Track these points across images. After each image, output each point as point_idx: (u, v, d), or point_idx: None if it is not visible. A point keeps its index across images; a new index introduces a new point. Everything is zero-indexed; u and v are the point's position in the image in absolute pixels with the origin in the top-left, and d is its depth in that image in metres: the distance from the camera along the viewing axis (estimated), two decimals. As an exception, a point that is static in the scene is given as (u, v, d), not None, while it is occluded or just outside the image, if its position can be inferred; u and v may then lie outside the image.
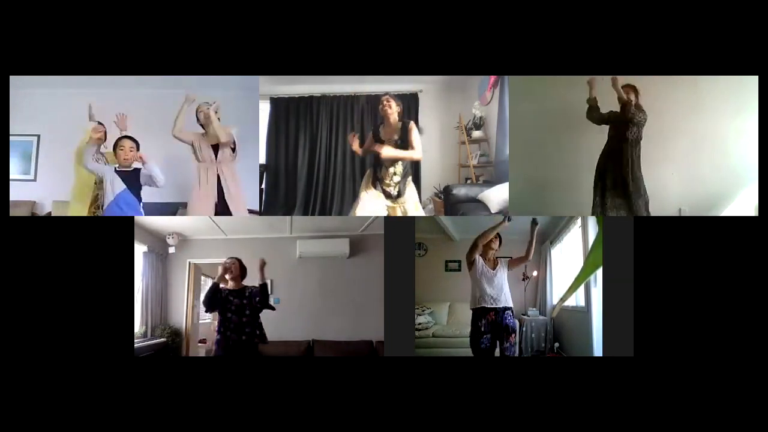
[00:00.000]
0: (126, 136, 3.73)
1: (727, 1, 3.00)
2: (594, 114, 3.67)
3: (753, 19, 3.00)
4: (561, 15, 3.04)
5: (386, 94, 3.63)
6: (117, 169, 3.67)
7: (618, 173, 3.55)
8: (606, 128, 3.67)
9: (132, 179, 3.66)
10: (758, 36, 3.01)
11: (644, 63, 3.09)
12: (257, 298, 3.35)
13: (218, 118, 3.85)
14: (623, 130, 3.53)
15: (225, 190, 3.86)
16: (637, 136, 3.52)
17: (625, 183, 3.52)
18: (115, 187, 3.62)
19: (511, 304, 3.39)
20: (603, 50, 3.07)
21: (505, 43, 3.08)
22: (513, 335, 3.33)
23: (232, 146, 3.93)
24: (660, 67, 3.09)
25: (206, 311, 3.59)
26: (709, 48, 3.04)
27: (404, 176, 3.58)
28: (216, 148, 3.89)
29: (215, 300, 3.33)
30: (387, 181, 3.58)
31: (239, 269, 3.43)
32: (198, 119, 3.93)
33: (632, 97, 3.53)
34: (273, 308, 3.49)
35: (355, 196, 5.81)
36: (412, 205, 3.63)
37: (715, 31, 3.02)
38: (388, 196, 3.60)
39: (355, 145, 3.65)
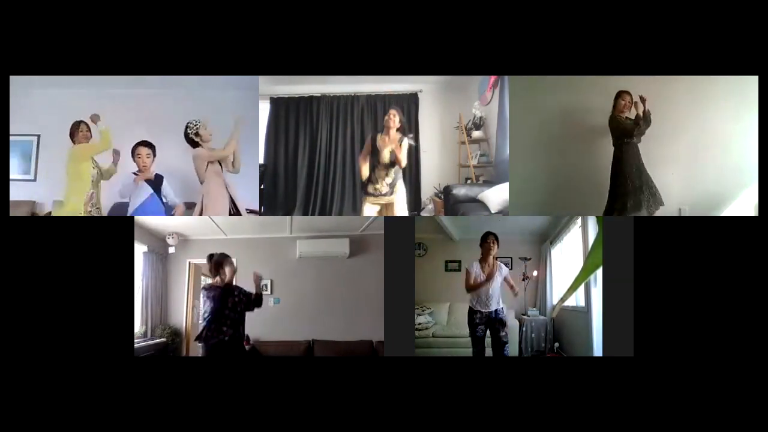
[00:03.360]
0: (141, 142, 3.75)
1: (727, 1, 3.00)
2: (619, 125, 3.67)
3: (753, 19, 3.00)
4: (561, 15, 3.04)
5: (386, 95, 3.77)
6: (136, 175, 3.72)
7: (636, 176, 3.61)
8: (603, 127, 3.68)
9: (154, 186, 3.72)
10: (758, 36, 3.01)
11: (644, 63, 3.09)
12: (248, 303, 3.30)
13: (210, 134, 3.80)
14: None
15: (232, 194, 3.79)
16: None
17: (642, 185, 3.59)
18: (141, 189, 3.68)
19: (500, 306, 3.68)
20: (603, 50, 3.07)
21: (505, 43, 3.08)
22: (505, 327, 3.66)
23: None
24: (660, 67, 3.09)
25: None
26: (709, 48, 3.04)
27: (396, 178, 3.86)
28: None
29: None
30: (381, 183, 3.82)
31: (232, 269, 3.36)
32: (188, 136, 3.77)
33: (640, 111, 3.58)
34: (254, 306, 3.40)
35: (355, 196, 5.89)
36: (401, 196, 3.90)
37: (715, 31, 3.02)
38: (383, 195, 3.83)
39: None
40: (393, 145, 3.75)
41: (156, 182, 3.76)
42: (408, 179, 6.10)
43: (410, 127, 5.95)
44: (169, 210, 3.82)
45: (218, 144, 3.78)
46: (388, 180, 3.82)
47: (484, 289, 3.61)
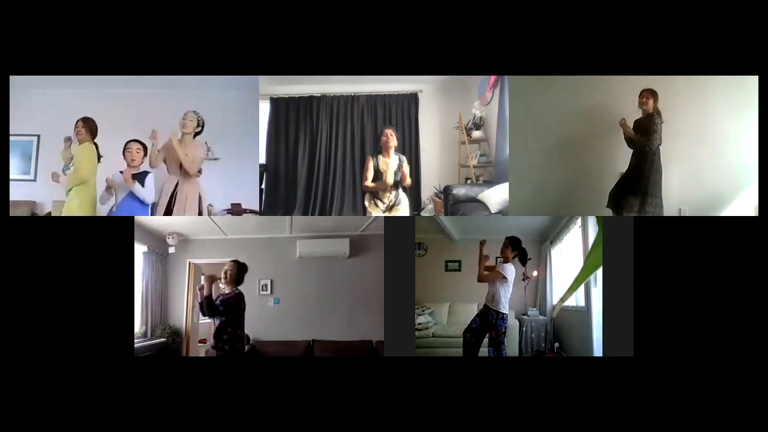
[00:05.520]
0: (134, 140, 3.77)
1: (727, 1, 3.00)
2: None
3: (753, 19, 3.00)
4: (561, 15, 3.04)
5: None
6: (122, 172, 3.71)
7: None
8: (603, 128, 3.69)
9: (138, 181, 3.70)
10: (758, 36, 3.01)
11: (644, 63, 3.09)
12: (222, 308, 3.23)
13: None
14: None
15: (176, 200, 3.78)
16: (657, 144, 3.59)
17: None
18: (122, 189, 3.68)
19: (498, 309, 3.55)
20: (603, 50, 3.07)
21: (505, 43, 3.08)
22: (492, 332, 3.53)
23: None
24: (660, 67, 3.09)
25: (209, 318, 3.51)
26: (709, 48, 3.04)
27: (399, 193, 4.09)
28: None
29: (213, 308, 3.26)
30: (386, 198, 4.04)
31: (235, 273, 3.33)
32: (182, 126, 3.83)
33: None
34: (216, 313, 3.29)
35: (355, 196, 5.91)
36: (404, 206, 4.09)
37: (715, 31, 3.02)
38: (388, 207, 4.04)
39: None
40: (395, 167, 4.01)
41: (140, 177, 3.73)
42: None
43: (410, 137, 6.14)
44: (145, 205, 3.75)
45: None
46: (393, 198, 4.02)
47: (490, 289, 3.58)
